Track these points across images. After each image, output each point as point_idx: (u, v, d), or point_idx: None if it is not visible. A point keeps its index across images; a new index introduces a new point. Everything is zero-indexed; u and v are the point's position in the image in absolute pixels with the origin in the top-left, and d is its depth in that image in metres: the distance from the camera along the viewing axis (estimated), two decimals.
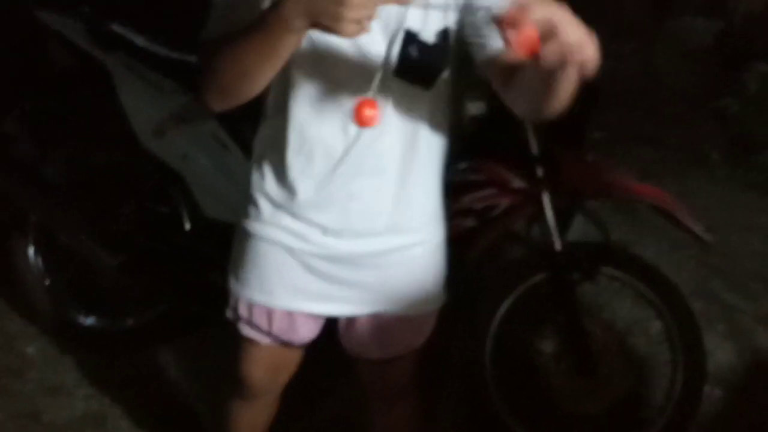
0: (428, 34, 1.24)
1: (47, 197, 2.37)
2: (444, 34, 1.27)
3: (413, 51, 1.23)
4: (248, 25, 1.11)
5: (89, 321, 2.44)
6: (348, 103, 1.23)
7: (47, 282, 2.44)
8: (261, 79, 1.17)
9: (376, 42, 1.23)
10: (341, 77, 1.25)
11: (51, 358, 2.42)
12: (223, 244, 2.20)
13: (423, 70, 1.25)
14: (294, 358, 1.56)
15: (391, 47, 1.23)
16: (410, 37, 1.23)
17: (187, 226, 2.27)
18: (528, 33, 0.89)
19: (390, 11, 1.21)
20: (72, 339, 2.46)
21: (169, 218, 2.31)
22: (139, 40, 2.30)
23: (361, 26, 1.01)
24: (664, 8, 6.48)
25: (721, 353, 2.71)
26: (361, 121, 1.14)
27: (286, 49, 1.10)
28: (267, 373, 1.55)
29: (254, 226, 1.40)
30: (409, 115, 1.30)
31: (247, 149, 2.16)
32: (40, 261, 2.43)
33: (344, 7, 0.98)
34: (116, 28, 2.31)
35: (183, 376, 2.39)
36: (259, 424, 1.68)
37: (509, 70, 1.15)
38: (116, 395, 2.29)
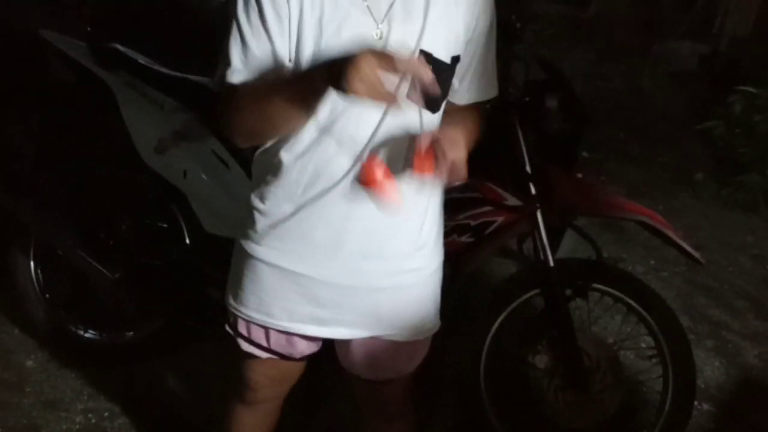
0: (442, 57, 1.30)
1: (46, 212, 2.39)
2: (455, 59, 1.33)
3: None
4: (276, 82, 1.24)
5: (88, 335, 2.45)
6: (350, 127, 1.27)
7: (47, 296, 2.45)
8: (287, 127, 1.29)
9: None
10: (347, 106, 1.27)
11: (50, 372, 2.43)
12: (222, 260, 2.24)
13: (433, 93, 1.26)
14: (296, 369, 1.58)
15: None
16: (426, 57, 1.26)
17: (187, 241, 2.30)
18: (429, 161, 1.20)
19: (407, 31, 1.27)
20: (71, 353, 2.47)
21: (169, 234, 2.33)
22: (141, 59, 2.35)
23: (369, 86, 1.09)
24: (652, 31, 6.60)
25: (709, 369, 2.77)
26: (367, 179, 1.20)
27: (311, 107, 1.24)
28: (269, 381, 1.57)
29: (252, 246, 1.42)
30: (411, 141, 1.31)
31: (247, 167, 2.20)
32: (40, 275, 2.44)
33: (355, 70, 1.08)
34: (118, 47, 2.35)
35: (181, 389, 2.41)
36: (264, 429, 1.70)
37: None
38: (115, 409, 2.30)
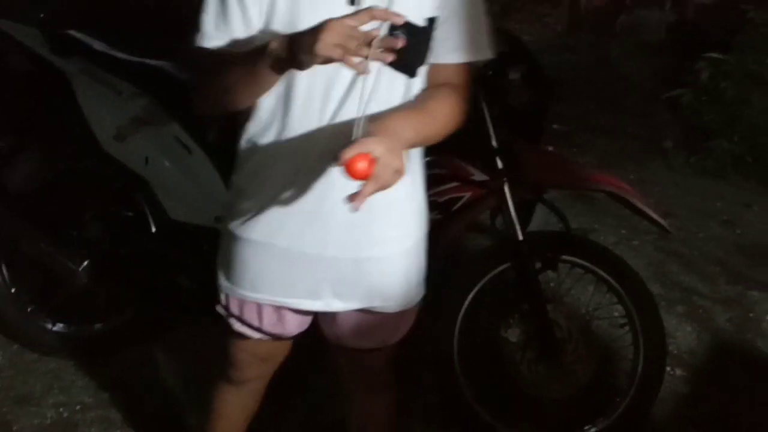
0: (417, 19, 1.28)
1: (7, 206, 2.34)
2: (431, 21, 1.30)
3: (400, 35, 1.23)
4: (240, 55, 1.26)
5: (57, 328, 2.42)
6: (330, 102, 1.28)
7: (13, 290, 2.41)
8: (244, 101, 1.33)
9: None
10: (326, 70, 1.24)
11: (19, 367, 2.40)
12: (190, 246, 2.22)
13: (409, 57, 1.27)
14: (284, 349, 1.59)
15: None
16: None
17: (153, 229, 2.27)
18: (361, 163, 1.11)
19: None
20: (40, 347, 2.44)
21: (134, 222, 2.30)
22: (97, 45, 2.30)
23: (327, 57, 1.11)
24: (619, 2, 6.61)
25: (681, 335, 2.80)
26: (354, 174, 1.12)
27: (268, 82, 1.26)
28: (256, 360, 1.58)
29: (240, 227, 1.42)
30: (389, 108, 1.30)
31: (210, 152, 2.17)
32: (5, 269, 2.39)
33: (317, 41, 1.11)
34: (73, 33, 2.30)
35: (153, 380, 2.39)
36: (247, 409, 1.70)
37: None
38: (87, 401, 2.28)
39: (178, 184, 2.19)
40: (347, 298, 1.44)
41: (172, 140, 2.19)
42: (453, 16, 1.34)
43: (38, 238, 2.32)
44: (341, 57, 1.11)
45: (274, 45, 1.18)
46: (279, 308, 1.47)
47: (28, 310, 2.42)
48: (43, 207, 2.35)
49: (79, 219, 2.32)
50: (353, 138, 1.15)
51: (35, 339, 2.44)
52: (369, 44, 1.12)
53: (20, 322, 2.42)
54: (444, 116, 1.34)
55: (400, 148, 1.18)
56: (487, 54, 1.42)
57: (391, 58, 1.14)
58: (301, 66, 1.16)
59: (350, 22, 1.12)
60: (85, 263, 2.30)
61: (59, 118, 2.33)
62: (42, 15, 2.36)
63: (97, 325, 2.42)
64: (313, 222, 1.36)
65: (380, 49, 1.13)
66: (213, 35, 1.31)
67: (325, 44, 1.10)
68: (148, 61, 2.26)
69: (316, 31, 1.11)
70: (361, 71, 1.14)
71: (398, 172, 1.16)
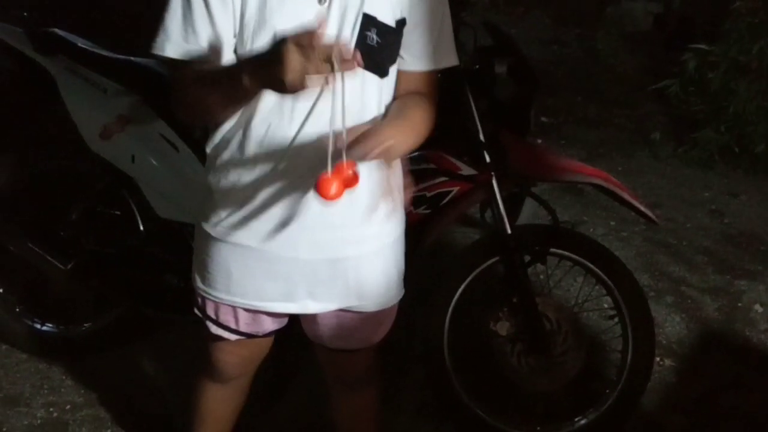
0: (388, 20, 1.28)
1: None
2: (401, 22, 1.31)
3: (372, 35, 1.26)
4: (213, 75, 1.24)
5: (45, 328, 2.40)
6: (300, 104, 1.26)
7: (1, 290, 2.39)
8: (221, 117, 1.34)
9: (331, 31, 1.25)
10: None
11: (8, 368, 2.38)
12: (178, 245, 2.21)
13: (380, 56, 1.28)
14: (264, 345, 1.59)
15: (351, 32, 1.26)
16: (369, 21, 1.26)
17: (141, 228, 2.26)
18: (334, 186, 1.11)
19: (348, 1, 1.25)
20: (29, 347, 2.43)
21: (121, 221, 2.29)
22: (81, 43, 2.28)
23: (302, 84, 1.08)
24: None
25: (669, 325, 2.81)
26: (325, 193, 1.12)
27: (242, 102, 1.27)
28: (238, 360, 1.58)
29: (213, 227, 1.41)
30: (361, 108, 1.31)
31: (197, 149, 2.16)
32: None
33: (284, 76, 1.07)
34: (57, 31, 2.28)
35: (142, 378, 2.38)
36: (233, 404, 1.71)
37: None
38: (77, 401, 2.27)
39: (165, 181, 2.17)
40: (323, 299, 1.44)
41: (158, 138, 2.18)
42: (421, 23, 1.35)
43: (25, 238, 2.30)
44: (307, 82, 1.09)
45: (246, 82, 1.15)
46: (254, 310, 1.46)
47: (17, 310, 2.41)
48: (29, 206, 2.33)
49: (66, 218, 2.30)
50: (330, 150, 1.13)
51: (24, 339, 2.42)
52: (328, 60, 1.07)
53: (8, 322, 2.41)
54: (421, 123, 1.36)
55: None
56: (453, 61, 1.43)
57: (352, 68, 1.09)
58: (285, 93, 1.13)
59: (302, 41, 1.06)
60: (73, 262, 2.29)
61: (44, 116, 2.31)
62: (25, 14, 2.34)
63: (86, 325, 2.40)
64: (287, 224, 1.35)
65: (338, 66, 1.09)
66: (178, 43, 1.27)
67: (294, 75, 1.06)
68: (133, 58, 2.24)
69: (275, 63, 1.07)
70: (327, 87, 1.11)
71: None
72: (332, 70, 1.06)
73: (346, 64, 1.06)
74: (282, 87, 1.09)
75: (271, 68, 1.08)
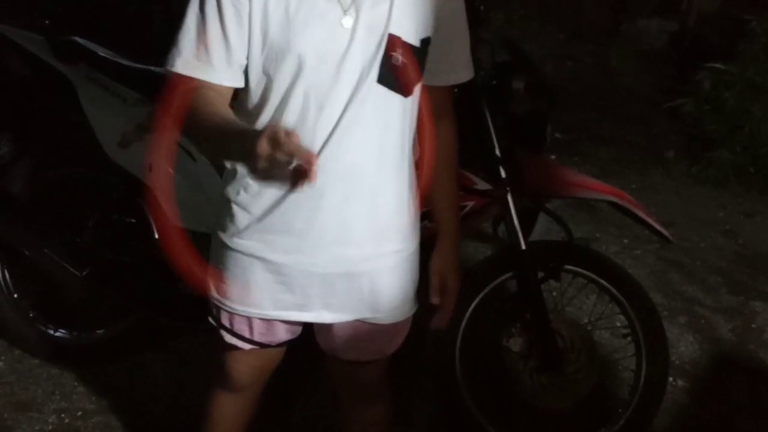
0: (412, 40, 1.29)
1: (11, 211, 2.34)
2: (426, 41, 1.32)
3: (397, 55, 1.26)
4: (219, 125, 1.23)
5: (58, 334, 2.41)
6: (327, 117, 1.27)
7: (15, 296, 2.41)
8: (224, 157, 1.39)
9: (357, 52, 1.26)
10: (321, 89, 1.26)
11: (20, 373, 2.39)
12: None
13: (405, 76, 1.28)
14: (276, 356, 1.59)
15: (376, 53, 1.27)
16: (394, 41, 1.26)
17: (156, 236, 2.27)
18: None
19: (375, 17, 1.25)
20: (42, 352, 2.44)
21: (137, 229, 2.30)
22: (101, 51, 2.30)
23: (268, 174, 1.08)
24: (620, 11, 6.62)
25: (683, 345, 2.80)
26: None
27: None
28: (251, 369, 1.58)
29: (232, 239, 1.41)
30: (383, 127, 1.32)
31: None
32: (7, 275, 2.39)
33: (255, 163, 1.07)
34: (77, 39, 2.30)
35: (155, 387, 2.38)
36: (244, 414, 1.70)
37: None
38: (88, 408, 2.27)
39: (182, 191, 2.18)
40: (338, 309, 1.44)
41: (176, 148, 2.19)
42: (446, 42, 1.37)
43: (41, 244, 2.32)
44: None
45: (231, 146, 1.19)
46: (269, 319, 1.47)
47: (30, 315, 2.42)
48: (46, 213, 2.35)
49: (82, 225, 2.32)
50: None
51: (37, 345, 2.43)
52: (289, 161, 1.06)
53: (22, 327, 2.42)
54: (456, 154, 1.53)
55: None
56: (469, 74, 1.48)
57: (310, 179, 1.06)
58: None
59: (275, 137, 1.05)
60: (88, 269, 2.29)
61: (63, 124, 2.33)
62: (46, 21, 2.36)
63: (99, 332, 2.41)
64: (304, 239, 1.36)
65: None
66: (189, 60, 1.27)
67: (260, 164, 1.06)
68: (152, 68, 2.26)
69: (249, 146, 1.07)
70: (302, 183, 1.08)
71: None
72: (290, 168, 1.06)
73: (303, 173, 1.06)
74: (254, 167, 1.09)
75: (244, 149, 1.09)
